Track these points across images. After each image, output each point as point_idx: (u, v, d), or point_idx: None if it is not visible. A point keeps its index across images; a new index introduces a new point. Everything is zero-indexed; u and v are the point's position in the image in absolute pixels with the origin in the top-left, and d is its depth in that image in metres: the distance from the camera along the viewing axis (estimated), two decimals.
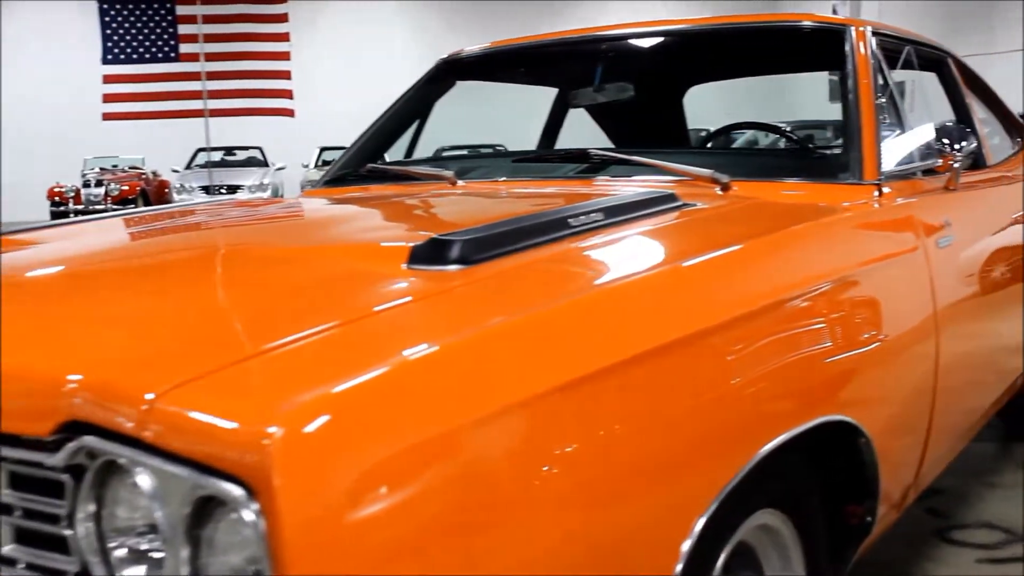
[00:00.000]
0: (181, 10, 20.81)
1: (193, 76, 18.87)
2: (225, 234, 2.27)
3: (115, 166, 21.78)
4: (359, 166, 3.00)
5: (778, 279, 1.70)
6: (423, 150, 3.29)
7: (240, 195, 18.05)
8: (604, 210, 1.77)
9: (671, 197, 1.98)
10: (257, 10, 21.27)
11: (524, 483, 1.12)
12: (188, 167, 20.91)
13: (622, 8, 25.89)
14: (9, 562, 1.18)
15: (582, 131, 3.82)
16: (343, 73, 24.97)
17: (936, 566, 2.89)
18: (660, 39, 3.09)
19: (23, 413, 1.15)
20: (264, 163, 21.55)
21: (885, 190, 2.29)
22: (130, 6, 20.96)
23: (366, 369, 1.05)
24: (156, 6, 21.26)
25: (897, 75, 2.74)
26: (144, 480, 1.04)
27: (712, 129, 4.47)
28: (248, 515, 0.94)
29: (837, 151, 2.45)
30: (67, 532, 1.12)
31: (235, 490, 0.95)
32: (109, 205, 19.15)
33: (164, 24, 21.38)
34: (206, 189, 18.78)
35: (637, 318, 1.39)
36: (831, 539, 1.91)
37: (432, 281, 1.40)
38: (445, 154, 6.79)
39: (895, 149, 2.45)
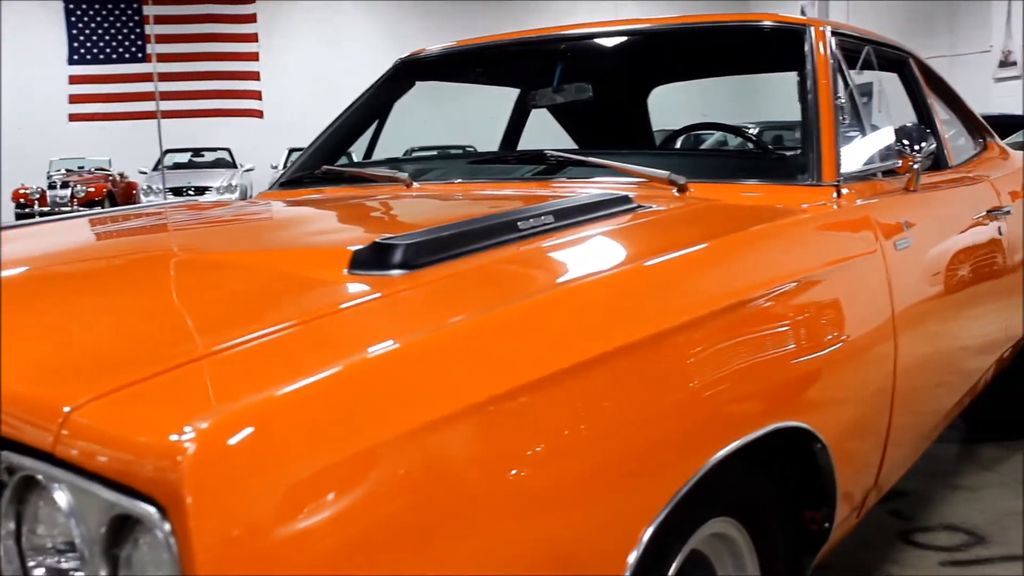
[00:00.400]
0: (148, 10, 20.68)
1: (162, 77, 18.74)
2: (168, 238, 2.22)
3: (81, 167, 21.54)
4: (316, 167, 2.95)
5: (731, 282, 1.67)
6: (383, 150, 3.24)
7: (208, 196, 17.91)
8: (555, 213, 1.73)
9: (625, 199, 1.94)
10: (225, 10, 21.18)
11: (464, 492, 1.08)
12: (156, 168, 20.72)
13: (590, 8, 25.97)
14: None
15: (553, 132, 3.79)
16: (312, 74, 24.84)
17: (899, 569, 2.87)
18: (622, 39, 3.06)
19: None
20: (232, 164, 21.40)
21: (844, 191, 2.27)
22: (96, 6, 20.82)
23: (288, 380, 1.00)
24: (123, 6, 21.13)
25: (862, 75, 2.72)
26: (61, 497, 0.99)
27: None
28: (160, 535, 0.90)
29: (796, 152, 2.42)
30: None
31: (148, 509, 0.91)
32: (76, 207, 18.95)
33: (131, 24, 21.25)
34: (174, 191, 18.63)
35: (583, 323, 1.35)
36: (788, 546, 1.88)
37: (374, 286, 1.36)
38: (406, 156, 6.72)
39: (855, 150, 2.43)
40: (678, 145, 3.95)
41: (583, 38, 3.04)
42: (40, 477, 1.01)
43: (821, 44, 2.54)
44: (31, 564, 1.06)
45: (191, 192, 18.81)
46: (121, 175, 21.38)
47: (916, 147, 2.47)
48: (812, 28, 2.60)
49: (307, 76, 24.66)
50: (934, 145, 2.60)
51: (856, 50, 2.71)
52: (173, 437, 0.90)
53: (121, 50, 20.99)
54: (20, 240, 2.20)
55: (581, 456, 1.23)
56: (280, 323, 1.19)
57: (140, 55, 20.91)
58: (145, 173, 20.15)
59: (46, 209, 18.85)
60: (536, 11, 25.63)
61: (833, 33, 2.62)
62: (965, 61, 17.25)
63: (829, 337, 1.87)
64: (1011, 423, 4.10)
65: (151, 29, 17.58)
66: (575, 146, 3.74)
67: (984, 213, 3.06)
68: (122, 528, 0.97)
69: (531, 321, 1.29)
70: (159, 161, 21.01)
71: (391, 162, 3.04)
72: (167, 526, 0.89)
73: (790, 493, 1.87)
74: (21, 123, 22.53)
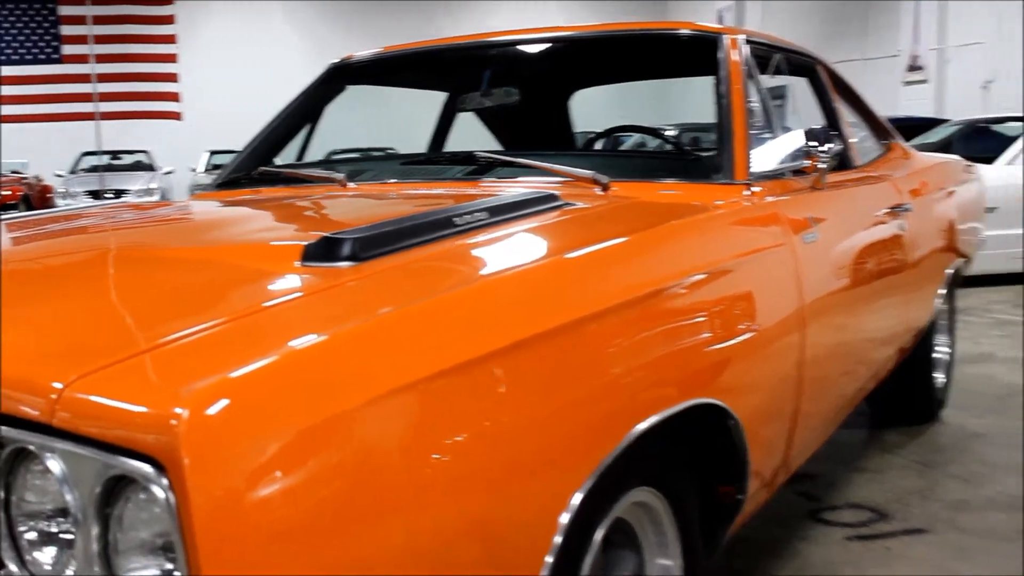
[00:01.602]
0: (64, 11, 20.37)
1: (79, 78, 18.50)
2: (125, 236, 2.31)
3: None
4: (251, 169, 3.05)
5: (649, 273, 1.81)
6: (315, 153, 3.35)
7: (127, 199, 17.72)
8: (488, 209, 1.86)
9: (552, 197, 2.08)
10: (143, 11, 20.92)
11: (409, 464, 1.20)
12: (73, 171, 20.43)
13: (511, 8, 26.16)
14: None
15: (474, 133, 3.92)
16: (232, 75, 24.69)
17: (808, 545, 3.05)
18: (545, 45, 3.21)
19: None
20: (151, 167, 21.15)
21: (755, 189, 2.43)
22: (10, 6, 20.43)
23: (262, 356, 1.13)
24: (37, 7, 20.77)
25: (778, 79, 2.89)
26: (54, 464, 1.10)
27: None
28: (158, 491, 1.02)
29: (711, 153, 2.58)
30: None
31: (145, 468, 1.02)
32: None
33: (46, 25, 20.90)
34: (92, 194, 18.37)
35: (518, 308, 1.48)
36: (705, 517, 2.04)
37: (324, 277, 1.48)
38: (335, 157, 6.83)
39: (766, 151, 2.59)
40: (599, 146, 4.11)
41: (510, 44, 3.17)
42: (33, 448, 1.12)
43: (734, 51, 2.70)
44: (22, 529, 1.17)
45: (109, 195, 18.56)
46: (37, 178, 21.02)
47: (822, 148, 2.63)
48: (726, 36, 2.76)
49: (227, 78, 24.51)
50: (840, 146, 2.78)
51: (768, 56, 2.88)
52: (167, 405, 1.02)
53: (36, 51, 20.64)
54: None
55: (516, 429, 1.36)
56: (244, 310, 1.32)
57: (56, 56, 20.59)
58: (62, 176, 19.85)
59: None
60: (457, 10, 25.78)
61: (746, 41, 2.79)
62: (876, 65, 17.74)
63: (741, 324, 2.02)
64: (913, 410, 4.33)
65: (88, 30, 17.33)
66: (499, 147, 3.88)
67: (886, 210, 3.26)
68: (113, 490, 1.08)
69: (464, 308, 1.42)
70: (76, 163, 20.75)
71: (326, 163, 3.15)
72: (164, 481, 1.01)
73: (707, 468, 2.02)
74: None
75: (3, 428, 1.13)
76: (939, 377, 4.45)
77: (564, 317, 1.51)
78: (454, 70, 3.58)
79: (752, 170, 2.47)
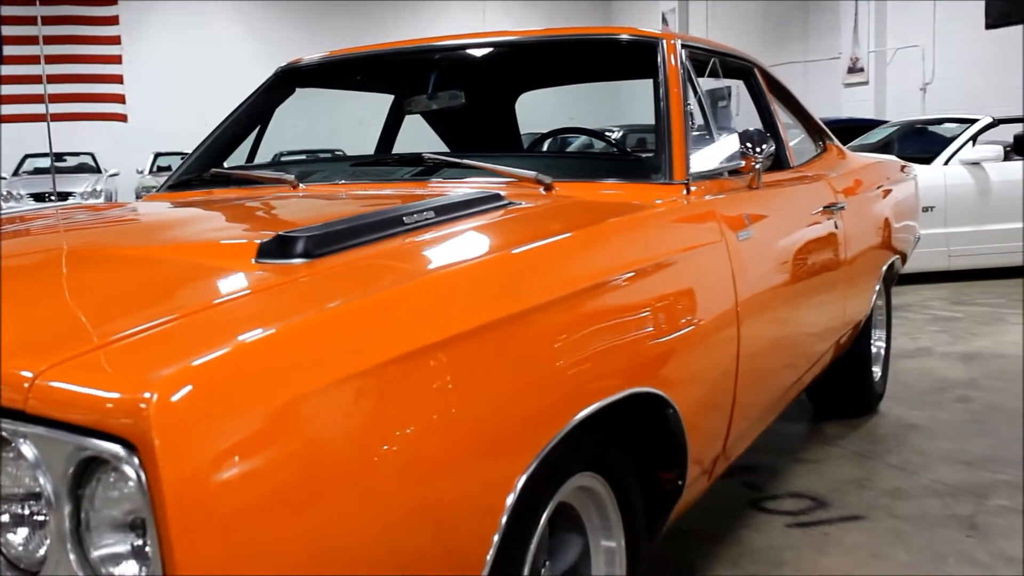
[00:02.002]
0: (7, 11, 20.11)
1: (22, 79, 18.26)
2: (82, 236, 2.36)
3: None
4: (202, 171, 3.10)
5: (589, 267, 1.89)
6: (265, 154, 3.41)
7: (72, 201, 17.56)
8: (435, 209, 1.94)
9: (497, 196, 2.16)
10: (87, 12, 20.71)
11: (359, 449, 1.27)
12: (15, 174, 20.20)
13: (460, 8, 26.24)
14: None
15: (421, 135, 4.00)
16: (178, 77, 24.53)
17: (750, 532, 3.16)
18: (491, 50, 3.28)
19: None
20: (97, 169, 20.96)
21: (693, 189, 2.53)
22: None
23: (221, 346, 1.19)
24: None
25: (719, 82, 2.99)
26: (27, 450, 1.16)
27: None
28: (130, 470, 1.08)
29: (651, 154, 2.67)
30: None
31: (117, 449, 1.09)
32: None
33: None
34: (35, 196, 18.18)
35: (464, 300, 1.56)
36: (648, 502, 2.13)
37: (278, 273, 1.54)
38: (284, 159, 6.89)
39: (704, 152, 2.69)
40: (545, 148, 4.20)
41: (456, 48, 3.25)
42: (6, 434, 1.18)
43: (672, 56, 2.80)
44: None
45: (53, 198, 18.37)
46: None
47: (757, 149, 2.74)
48: (664, 41, 2.85)
49: (173, 80, 24.34)
50: (774, 147, 2.89)
51: (704, 60, 2.98)
52: (137, 390, 1.09)
53: None
54: None
55: (455, 416, 1.43)
56: (202, 304, 1.39)
57: None
58: (4, 179, 19.61)
59: None
60: (405, 10, 25.77)
61: (683, 45, 2.88)
62: (818, 67, 18.02)
63: (679, 318, 2.11)
64: (853, 403, 4.47)
65: (38, 30, 17.11)
66: (446, 149, 3.96)
67: (821, 209, 3.37)
68: (84, 471, 1.15)
69: (412, 301, 1.49)
70: (19, 166, 20.52)
71: (277, 165, 3.21)
72: (136, 461, 1.07)
73: (648, 455, 2.11)
74: None
75: None
76: (876, 371, 4.59)
77: (507, 309, 1.59)
78: (401, 73, 3.65)
79: (690, 170, 2.56)
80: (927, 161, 8.63)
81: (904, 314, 7.18)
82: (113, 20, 20.99)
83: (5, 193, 18.91)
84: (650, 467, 2.14)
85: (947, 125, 9.74)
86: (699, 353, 2.21)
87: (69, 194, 18.61)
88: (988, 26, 14.13)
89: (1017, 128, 9.20)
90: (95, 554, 1.16)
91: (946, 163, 8.63)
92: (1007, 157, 8.75)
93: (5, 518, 1.22)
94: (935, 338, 6.32)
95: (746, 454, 3.86)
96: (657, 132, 2.64)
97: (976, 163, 8.60)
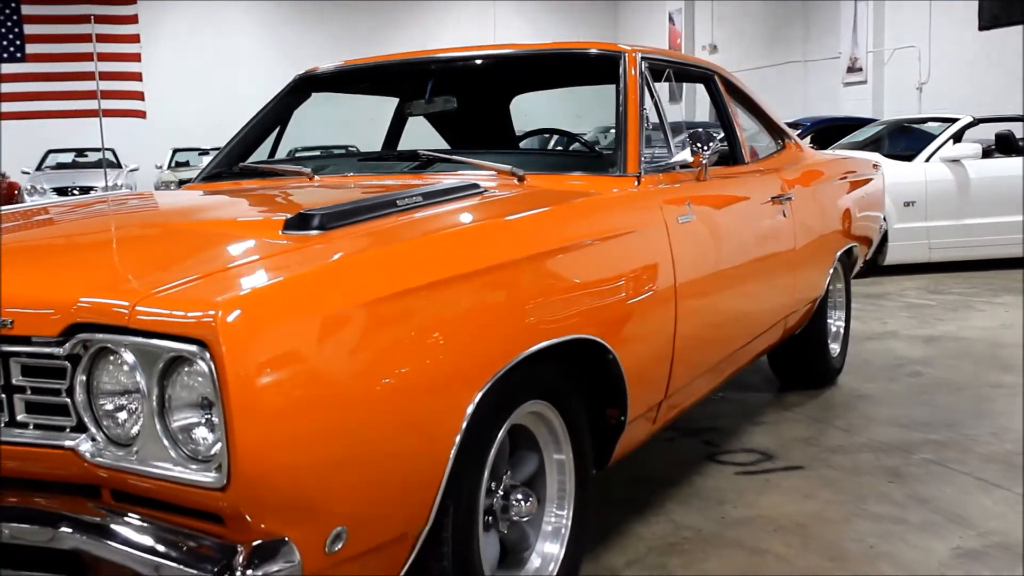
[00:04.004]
0: (27, 10, 20.63)
1: (44, 76, 18.77)
2: (144, 215, 2.94)
3: None
4: (231, 165, 3.62)
5: (546, 237, 2.41)
6: (285, 151, 3.95)
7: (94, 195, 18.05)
8: (423, 195, 2.46)
9: (475, 186, 2.69)
10: (107, 11, 21.23)
11: (361, 369, 1.79)
12: (39, 169, 20.80)
13: (468, 8, 26.69)
14: (22, 425, 1.80)
15: (429, 134, 4.51)
16: (196, 75, 25.08)
17: (702, 478, 3.66)
18: (482, 61, 3.79)
19: (36, 322, 1.77)
20: (117, 164, 21.53)
21: (644, 179, 3.02)
22: None
23: (263, 282, 1.75)
24: (0, 5, 21.02)
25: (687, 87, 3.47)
26: (127, 355, 1.68)
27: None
28: (203, 364, 1.60)
29: (610, 151, 3.16)
30: (67, 399, 1.76)
31: (195, 348, 1.60)
32: None
33: (9, 24, 21.17)
34: (58, 191, 18.75)
35: (445, 256, 2.08)
36: (597, 436, 2.65)
37: (301, 240, 2.06)
38: (299, 155, 7.48)
39: (658, 149, 3.19)
40: (524, 145, 4.74)
41: (452, 60, 3.76)
42: (111, 345, 1.69)
43: (632, 67, 3.29)
44: (101, 403, 1.74)
45: (76, 192, 18.92)
46: (3, 175, 21.34)
47: (704, 147, 3.23)
48: (626, 54, 3.35)
49: (189, 77, 24.89)
50: (723, 145, 3.38)
51: (662, 70, 3.47)
52: (209, 308, 1.61)
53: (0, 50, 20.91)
54: (21, 219, 2.85)
55: (432, 341, 1.93)
56: (246, 259, 1.95)
57: (19, 55, 20.84)
58: (28, 173, 20.21)
59: None
60: (416, 10, 26.21)
61: (643, 58, 3.37)
62: (818, 66, 18.43)
63: (620, 281, 2.61)
64: (812, 375, 4.96)
65: (38, 29, 17.61)
66: (447, 146, 4.47)
67: (770, 199, 3.87)
68: (169, 368, 1.67)
69: (401, 256, 2.02)
70: (42, 161, 21.10)
71: (295, 160, 3.75)
72: (208, 355, 1.59)
73: (597, 395, 2.62)
74: None
75: (91, 334, 1.71)
76: (835, 347, 5.07)
77: (478, 264, 2.11)
78: (404, 80, 4.18)
79: (643, 164, 3.06)
80: (910, 158, 9.08)
81: (880, 302, 7.65)
82: (132, 19, 21.48)
83: (29, 187, 19.48)
84: (598, 404, 2.64)
85: (931, 124, 10.15)
86: (638, 312, 2.70)
87: (91, 188, 19.15)
88: (981, 28, 14.60)
89: (998, 127, 9.65)
90: (175, 424, 1.68)
91: (927, 160, 9.06)
92: (986, 155, 9.18)
93: (110, 406, 1.74)
94: (904, 323, 6.78)
95: (709, 417, 4.40)
96: (616, 131, 3.14)
97: (956, 160, 9.03)
